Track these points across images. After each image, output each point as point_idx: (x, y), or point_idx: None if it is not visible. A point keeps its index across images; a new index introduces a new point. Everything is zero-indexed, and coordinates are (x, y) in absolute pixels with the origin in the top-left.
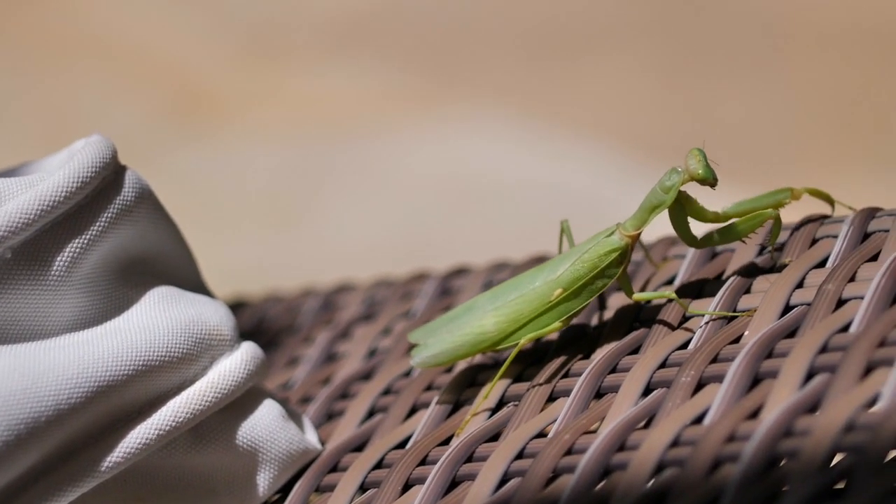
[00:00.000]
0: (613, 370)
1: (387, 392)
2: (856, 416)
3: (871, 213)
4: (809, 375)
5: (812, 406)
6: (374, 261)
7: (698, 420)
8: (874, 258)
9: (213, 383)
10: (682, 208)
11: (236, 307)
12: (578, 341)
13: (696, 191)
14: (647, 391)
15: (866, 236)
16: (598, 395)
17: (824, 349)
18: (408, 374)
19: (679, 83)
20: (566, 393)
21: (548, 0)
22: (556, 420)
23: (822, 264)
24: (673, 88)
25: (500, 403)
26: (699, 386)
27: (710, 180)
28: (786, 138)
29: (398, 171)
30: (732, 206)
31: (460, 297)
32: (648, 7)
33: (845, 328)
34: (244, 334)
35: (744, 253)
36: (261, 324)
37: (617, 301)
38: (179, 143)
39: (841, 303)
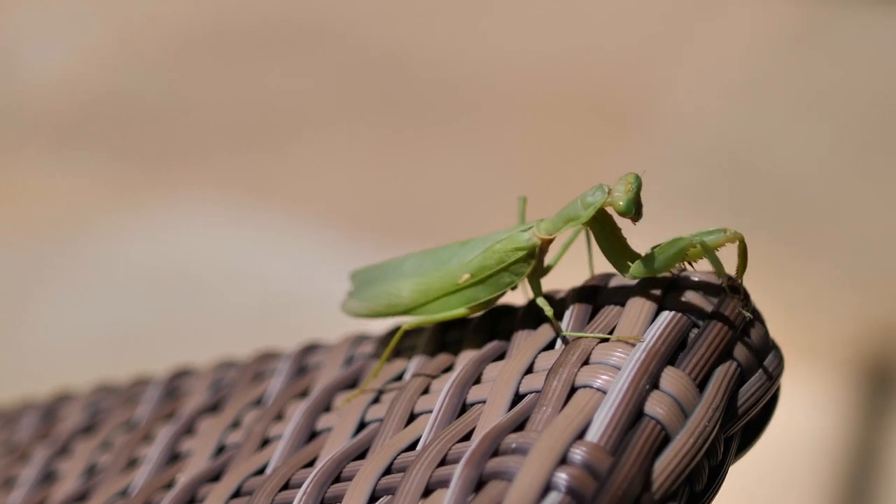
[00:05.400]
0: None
1: None
2: None
3: (358, 339)
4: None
5: None
6: (94, 360)
7: None
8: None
9: None
10: (606, 230)
11: None
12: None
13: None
14: None
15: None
16: None
17: (388, 470)
18: None
19: (392, 158)
20: None
21: (257, 84)
22: None
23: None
24: (387, 164)
25: None
26: None
27: (629, 214)
28: (500, 203)
29: (117, 265)
30: (655, 247)
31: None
32: (359, 84)
33: (412, 446)
34: None
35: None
36: None
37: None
38: None
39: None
